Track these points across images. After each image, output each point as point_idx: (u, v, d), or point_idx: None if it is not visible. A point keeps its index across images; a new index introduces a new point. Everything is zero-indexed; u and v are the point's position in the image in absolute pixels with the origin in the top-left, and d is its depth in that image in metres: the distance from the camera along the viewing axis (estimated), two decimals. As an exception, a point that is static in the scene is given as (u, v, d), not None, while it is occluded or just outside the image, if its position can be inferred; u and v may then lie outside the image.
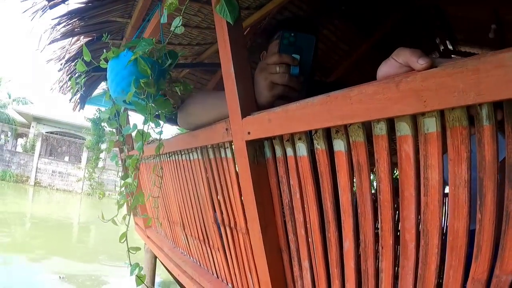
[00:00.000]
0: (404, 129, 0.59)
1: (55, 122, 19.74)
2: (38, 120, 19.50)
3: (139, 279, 1.02)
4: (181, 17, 1.05)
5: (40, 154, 18.64)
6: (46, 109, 19.56)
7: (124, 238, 1.01)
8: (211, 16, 1.80)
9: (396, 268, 0.68)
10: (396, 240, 0.67)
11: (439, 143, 0.55)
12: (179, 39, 2.16)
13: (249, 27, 2.10)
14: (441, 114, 0.54)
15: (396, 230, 0.68)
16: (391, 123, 0.61)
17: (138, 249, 1.04)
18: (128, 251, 1.03)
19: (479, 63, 0.46)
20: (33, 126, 19.53)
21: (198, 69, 2.81)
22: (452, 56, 3.43)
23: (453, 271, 0.57)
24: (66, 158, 19.63)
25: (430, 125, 0.55)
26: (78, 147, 19.83)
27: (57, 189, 18.32)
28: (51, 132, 19.97)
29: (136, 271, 1.02)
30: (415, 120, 0.57)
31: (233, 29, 0.89)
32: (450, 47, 3.38)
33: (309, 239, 0.85)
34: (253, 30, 2.20)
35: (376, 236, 0.71)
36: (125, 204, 1.28)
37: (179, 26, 1.07)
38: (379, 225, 0.69)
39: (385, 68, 0.61)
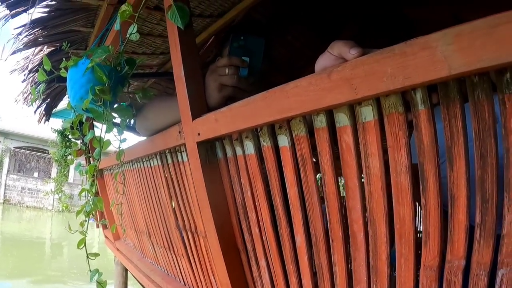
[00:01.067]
0: (342, 120, 0.60)
1: (24, 136, 19.01)
2: (6, 135, 18.72)
3: (100, 285, 1.00)
4: (135, 24, 1.05)
5: (8, 171, 17.91)
6: (14, 123, 18.80)
7: (83, 244, 0.99)
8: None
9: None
10: (346, 232, 0.67)
11: (377, 131, 0.56)
12: (143, 48, 2.16)
13: (213, 34, 2.12)
14: (378, 102, 0.55)
15: (345, 221, 0.68)
16: (331, 116, 0.62)
17: (97, 255, 1.03)
18: (87, 257, 1.02)
19: (405, 47, 0.47)
20: (0, 141, 18.77)
21: (163, 78, 2.79)
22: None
23: (404, 259, 0.58)
24: (36, 174, 18.93)
25: (367, 114, 0.56)
26: (47, 162, 19.16)
27: (27, 206, 17.61)
28: (20, 147, 19.25)
29: (96, 277, 1.00)
30: (352, 110, 0.58)
31: (183, 34, 0.91)
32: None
33: (263, 237, 0.86)
34: (218, 38, 2.22)
35: (327, 229, 0.72)
36: (96, 216, 1.26)
37: (134, 33, 1.08)
38: (327, 217, 0.70)
39: (322, 61, 0.63)
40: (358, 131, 0.59)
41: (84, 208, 1.08)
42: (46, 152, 19.15)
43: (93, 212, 1.13)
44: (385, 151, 0.58)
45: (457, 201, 0.50)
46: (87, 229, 1.04)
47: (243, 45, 0.93)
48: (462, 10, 2.46)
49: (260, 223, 0.85)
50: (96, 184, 1.06)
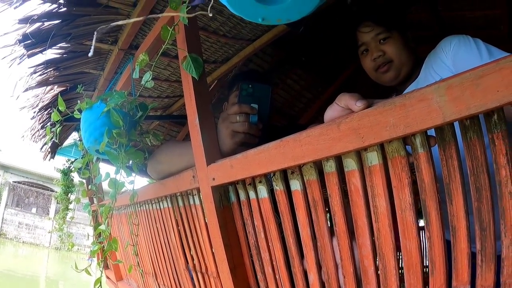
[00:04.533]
0: (350, 165, 0.65)
1: (24, 171, 18.94)
2: (6, 168, 18.63)
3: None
4: (151, 72, 1.12)
5: (6, 204, 17.73)
6: (15, 157, 18.76)
7: (99, 284, 1.01)
8: (180, 70, 1.89)
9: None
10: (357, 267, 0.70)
11: (383, 174, 0.61)
12: (149, 92, 2.24)
13: (216, 79, 2.21)
14: (382, 147, 0.60)
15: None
16: (339, 161, 0.67)
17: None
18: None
19: (405, 100, 0.53)
20: (0, 175, 18.68)
21: (167, 121, 2.86)
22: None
23: (413, 289, 0.60)
24: (34, 210, 18.72)
25: (373, 159, 0.62)
26: (46, 198, 19.01)
27: (23, 242, 17.29)
28: (19, 182, 19.14)
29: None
30: (359, 155, 0.64)
31: (198, 83, 0.97)
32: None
33: (277, 276, 0.88)
34: (221, 82, 2.31)
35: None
36: (96, 255, 1.28)
37: (149, 81, 1.15)
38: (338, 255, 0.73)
39: (330, 112, 0.68)
40: (365, 174, 0.64)
41: (99, 248, 1.10)
42: (46, 188, 19.03)
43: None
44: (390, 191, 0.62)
45: (458, 232, 0.54)
46: (102, 268, 1.06)
47: (251, 92, 0.97)
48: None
49: (273, 262, 0.87)
50: (110, 226, 1.09)
